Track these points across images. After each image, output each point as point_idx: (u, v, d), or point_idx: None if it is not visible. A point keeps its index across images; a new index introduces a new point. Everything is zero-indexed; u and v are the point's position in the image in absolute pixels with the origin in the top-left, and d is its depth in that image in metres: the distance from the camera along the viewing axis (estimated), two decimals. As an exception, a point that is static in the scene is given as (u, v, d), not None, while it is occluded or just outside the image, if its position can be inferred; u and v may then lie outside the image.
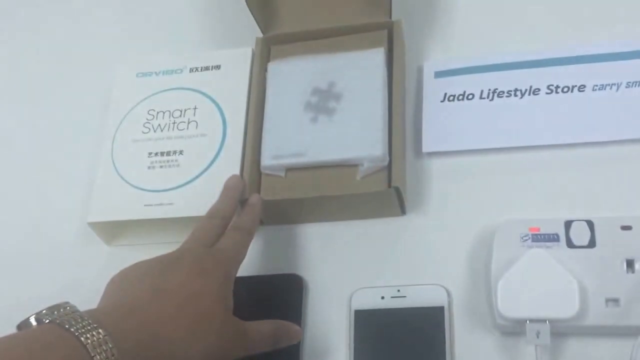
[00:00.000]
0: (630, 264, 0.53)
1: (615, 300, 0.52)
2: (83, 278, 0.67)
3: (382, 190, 0.60)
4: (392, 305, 0.59)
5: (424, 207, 0.65)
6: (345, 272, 0.63)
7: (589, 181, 0.61)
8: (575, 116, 0.63)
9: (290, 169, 0.64)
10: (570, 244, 0.55)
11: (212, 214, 0.59)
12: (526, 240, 0.56)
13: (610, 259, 0.53)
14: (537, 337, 0.52)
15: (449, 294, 0.59)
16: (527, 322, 0.52)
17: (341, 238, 0.65)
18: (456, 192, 0.64)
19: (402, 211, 0.64)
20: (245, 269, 0.64)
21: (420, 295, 0.59)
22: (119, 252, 0.68)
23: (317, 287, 0.63)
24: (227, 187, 0.62)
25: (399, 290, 0.59)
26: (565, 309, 0.51)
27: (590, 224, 0.55)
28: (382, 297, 0.60)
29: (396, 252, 0.63)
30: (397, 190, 0.60)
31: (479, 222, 0.61)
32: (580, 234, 0.55)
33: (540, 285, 0.52)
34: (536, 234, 0.56)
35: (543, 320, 0.52)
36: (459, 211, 0.63)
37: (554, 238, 0.55)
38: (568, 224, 0.56)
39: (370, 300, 0.60)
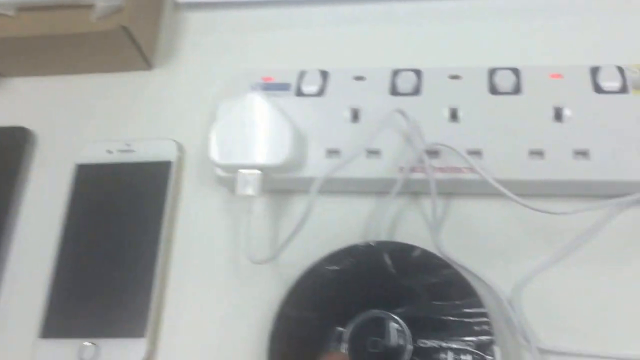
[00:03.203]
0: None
1: (336, 152, 0.46)
2: None
3: (111, 29, 0.51)
4: (118, 160, 0.51)
5: (174, 61, 0.57)
6: (78, 126, 0.55)
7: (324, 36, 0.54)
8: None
9: (22, 8, 0.54)
10: (299, 93, 0.48)
11: None
12: (255, 89, 0.49)
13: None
14: (247, 186, 0.45)
15: (180, 149, 0.51)
16: (239, 170, 0.45)
17: (81, 91, 0.56)
18: (209, 46, 0.57)
19: (148, 65, 0.56)
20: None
21: (149, 149, 0.52)
22: None
23: (46, 141, 0.54)
24: None
25: (127, 144, 0.52)
26: (276, 156, 0.45)
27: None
28: (109, 151, 0.52)
29: (136, 107, 0.55)
30: (127, 31, 0.51)
31: (225, 77, 0.54)
32: (311, 83, 0.49)
33: (254, 132, 0.46)
34: (267, 83, 0.49)
35: (254, 168, 0.45)
36: (209, 66, 0.56)
37: (284, 87, 0.49)
38: (302, 74, 0.49)
39: (96, 154, 0.52)
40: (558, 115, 0.44)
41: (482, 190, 0.45)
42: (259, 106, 0.46)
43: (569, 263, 0.44)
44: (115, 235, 0.48)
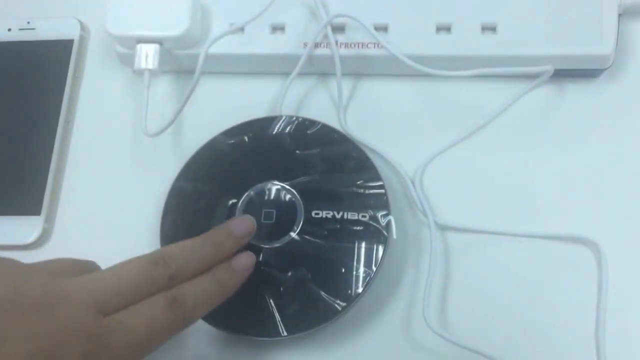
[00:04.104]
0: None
1: (240, 28, 0.44)
2: None
3: None
4: (18, 38, 0.49)
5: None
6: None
7: None
8: None
9: None
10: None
11: (161, 258, 0.32)
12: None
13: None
14: (145, 59, 0.43)
15: (83, 28, 0.49)
16: (137, 44, 0.43)
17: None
18: None
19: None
20: None
21: (51, 27, 0.49)
22: None
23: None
24: (227, 231, 0.36)
25: (28, 22, 0.49)
26: (175, 27, 0.43)
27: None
28: (9, 29, 0.50)
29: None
30: None
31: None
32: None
33: (151, 2, 0.43)
34: (172, -45, 0.46)
35: (151, 40, 0.43)
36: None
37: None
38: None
39: (-5, 32, 0.49)
40: (467, -12, 0.43)
41: (388, 69, 0.44)
42: (157, -25, 0.43)
43: (473, 143, 0.43)
44: (13, 114, 0.47)
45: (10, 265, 0.30)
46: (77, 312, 0.28)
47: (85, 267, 0.32)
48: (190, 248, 0.33)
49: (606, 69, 0.42)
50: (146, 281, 0.30)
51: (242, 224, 0.36)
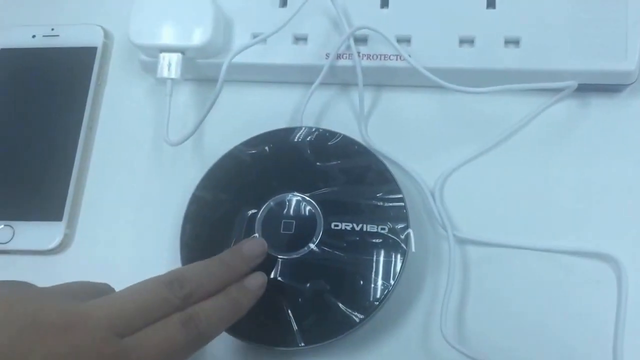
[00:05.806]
0: None
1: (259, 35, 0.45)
2: None
3: None
4: (42, 45, 0.50)
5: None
6: (2, 10, 0.53)
7: None
8: None
9: None
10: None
11: (176, 278, 0.32)
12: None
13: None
14: (167, 68, 0.44)
15: (106, 35, 0.50)
16: (160, 53, 0.44)
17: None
18: None
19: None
20: None
21: (74, 34, 0.50)
22: None
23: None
24: (239, 253, 0.36)
25: (52, 29, 0.50)
26: (197, 37, 0.44)
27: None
28: (34, 36, 0.50)
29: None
30: None
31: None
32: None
33: (176, 10, 0.44)
34: (195, -35, 0.47)
35: (174, 49, 0.44)
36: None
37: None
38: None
39: (20, 39, 0.50)
40: (491, 1, 0.43)
41: (410, 80, 0.44)
42: (181, -15, 0.44)
43: (494, 156, 0.43)
44: (37, 120, 0.47)
45: (26, 288, 0.31)
46: (95, 334, 0.28)
47: (100, 290, 0.33)
48: (204, 269, 0.34)
49: (631, 84, 0.42)
50: (161, 301, 0.31)
51: (254, 246, 0.37)
